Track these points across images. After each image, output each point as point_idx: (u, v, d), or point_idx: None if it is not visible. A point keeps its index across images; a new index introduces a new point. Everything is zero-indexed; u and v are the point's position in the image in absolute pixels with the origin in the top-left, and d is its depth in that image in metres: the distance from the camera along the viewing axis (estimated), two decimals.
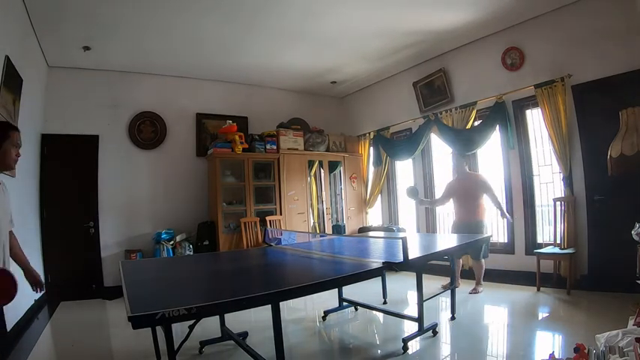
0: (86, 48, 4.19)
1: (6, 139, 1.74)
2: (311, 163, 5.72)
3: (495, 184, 4.52)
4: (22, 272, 1.87)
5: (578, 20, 3.71)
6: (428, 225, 5.37)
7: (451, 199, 4.36)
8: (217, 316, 2.83)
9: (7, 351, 2.67)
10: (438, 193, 5.27)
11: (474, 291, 3.95)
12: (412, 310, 3.16)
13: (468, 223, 4.04)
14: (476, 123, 4.66)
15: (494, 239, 4.43)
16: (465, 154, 4.57)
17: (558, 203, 3.91)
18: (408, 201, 5.77)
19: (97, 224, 4.67)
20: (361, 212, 6.14)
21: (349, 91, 6.57)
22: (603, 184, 3.56)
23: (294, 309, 3.84)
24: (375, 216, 6.27)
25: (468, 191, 4.15)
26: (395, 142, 5.69)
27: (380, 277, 3.63)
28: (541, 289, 3.82)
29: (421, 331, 2.72)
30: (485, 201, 4.13)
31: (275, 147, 5.35)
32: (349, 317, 3.52)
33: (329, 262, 2.62)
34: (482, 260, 4.04)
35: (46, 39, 3.92)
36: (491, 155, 4.67)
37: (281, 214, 5.29)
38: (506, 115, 4.31)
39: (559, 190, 4.02)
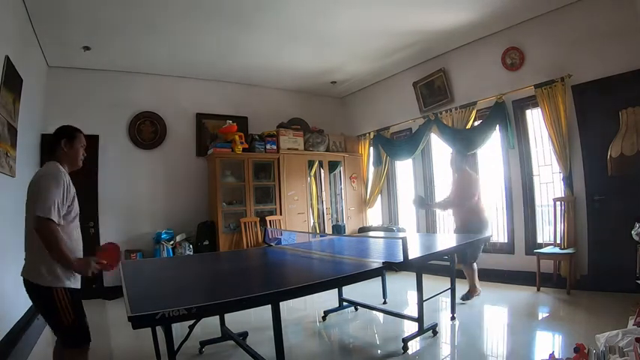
0: (86, 48, 4.19)
1: (76, 139, 1.91)
2: (311, 163, 5.72)
3: (495, 184, 4.54)
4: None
5: (578, 20, 3.71)
6: (428, 225, 5.37)
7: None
8: (217, 316, 2.83)
9: (7, 351, 2.67)
10: (439, 194, 5.28)
11: (472, 295, 3.65)
12: (412, 310, 3.16)
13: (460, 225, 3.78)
14: (476, 123, 4.66)
15: (494, 239, 4.43)
16: (466, 154, 4.39)
17: (558, 203, 3.91)
18: (407, 201, 5.79)
19: (97, 224, 4.66)
20: (361, 212, 6.14)
21: (349, 91, 6.57)
22: (603, 184, 3.56)
23: (294, 309, 3.84)
24: (375, 216, 6.27)
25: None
26: (395, 142, 5.69)
27: (380, 277, 3.62)
28: (541, 289, 3.81)
29: (421, 331, 2.72)
30: (483, 199, 3.79)
31: (275, 147, 5.35)
32: (349, 317, 3.52)
33: (329, 262, 2.62)
34: (471, 264, 3.67)
35: (46, 39, 3.92)
36: (492, 155, 4.66)
37: (281, 214, 5.29)
38: (506, 115, 4.31)
39: (559, 190, 4.01)
